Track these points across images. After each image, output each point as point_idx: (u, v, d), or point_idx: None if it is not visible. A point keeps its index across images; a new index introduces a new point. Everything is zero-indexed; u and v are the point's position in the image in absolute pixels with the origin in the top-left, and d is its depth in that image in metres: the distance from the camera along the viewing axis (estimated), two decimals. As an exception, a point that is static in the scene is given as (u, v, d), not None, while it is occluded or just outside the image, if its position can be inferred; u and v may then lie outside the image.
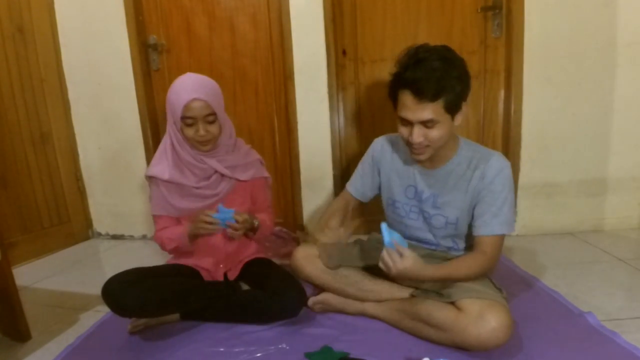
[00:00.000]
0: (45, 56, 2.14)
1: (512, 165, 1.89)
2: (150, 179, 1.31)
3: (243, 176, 1.34)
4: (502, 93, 1.93)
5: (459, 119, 1.06)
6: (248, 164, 1.37)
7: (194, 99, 1.17)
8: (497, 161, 1.11)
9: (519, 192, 1.94)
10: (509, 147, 1.91)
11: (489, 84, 1.93)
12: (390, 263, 1.01)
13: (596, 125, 1.86)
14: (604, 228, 1.96)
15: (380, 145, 1.30)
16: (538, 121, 1.87)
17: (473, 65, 1.91)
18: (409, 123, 1.04)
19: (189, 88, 1.18)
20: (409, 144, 1.08)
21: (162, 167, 1.28)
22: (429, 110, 1.00)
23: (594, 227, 1.96)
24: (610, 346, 1.02)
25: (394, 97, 1.07)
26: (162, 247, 1.32)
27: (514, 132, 1.89)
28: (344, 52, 1.96)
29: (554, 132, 1.88)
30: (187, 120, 1.19)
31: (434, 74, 0.97)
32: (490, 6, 1.85)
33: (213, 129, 1.22)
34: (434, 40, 1.89)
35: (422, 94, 0.98)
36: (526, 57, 1.81)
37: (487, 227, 1.10)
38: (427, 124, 1.02)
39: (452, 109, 1.01)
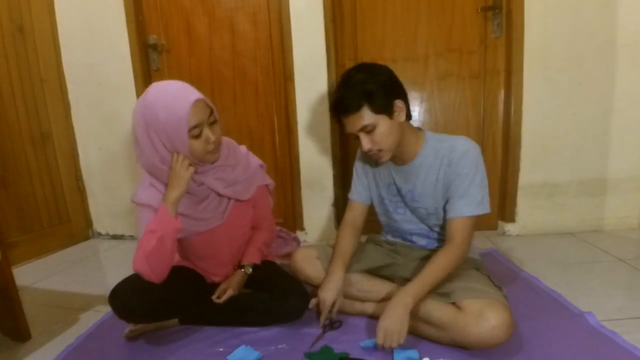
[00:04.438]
0: (45, 56, 2.14)
1: (512, 165, 1.93)
2: (138, 203, 1.11)
3: (246, 195, 1.22)
4: (502, 93, 1.93)
5: (401, 115, 1.11)
6: (249, 177, 1.23)
7: (196, 100, 0.98)
8: (462, 145, 1.12)
9: (519, 192, 1.94)
10: (509, 147, 1.91)
11: (489, 84, 1.93)
12: (387, 335, 0.99)
13: (596, 125, 1.86)
14: (604, 228, 1.96)
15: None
16: (538, 121, 1.87)
17: (473, 65, 1.92)
18: (355, 135, 1.11)
19: (180, 95, 0.98)
20: (366, 153, 1.14)
21: (152, 194, 1.08)
22: (359, 119, 1.07)
23: (594, 227, 1.96)
24: (610, 346, 1.02)
25: (337, 121, 1.14)
26: (143, 259, 1.03)
27: (514, 132, 1.89)
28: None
29: (554, 132, 1.88)
30: (195, 130, 0.99)
31: (353, 87, 1.06)
32: (490, 6, 1.85)
33: (217, 131, 1.06)
34: (434, 40, 1.94)
35: (346, 110, 1.08)
36: (526, 57, 1.81)
37: (454, 210, 1.11)
38: (366, 130, 1.08)
39: (382, 109, 1.07)
